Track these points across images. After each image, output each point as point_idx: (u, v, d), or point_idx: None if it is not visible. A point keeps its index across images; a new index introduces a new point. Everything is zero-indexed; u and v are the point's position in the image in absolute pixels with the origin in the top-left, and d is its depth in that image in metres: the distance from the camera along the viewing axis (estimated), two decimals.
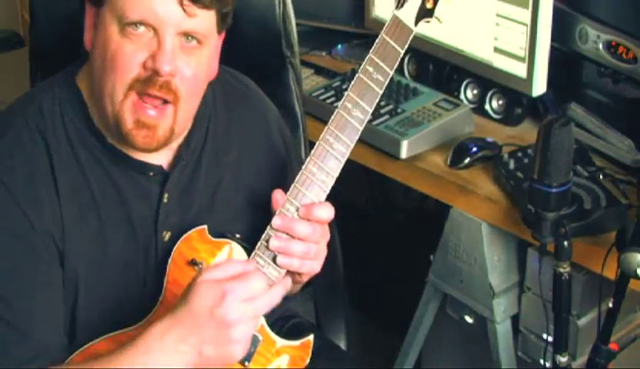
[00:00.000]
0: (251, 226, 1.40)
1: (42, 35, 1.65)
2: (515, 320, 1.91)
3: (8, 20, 3.12)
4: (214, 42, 1.33)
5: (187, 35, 1.27)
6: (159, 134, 1.29)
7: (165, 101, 1.27)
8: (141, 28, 1.24)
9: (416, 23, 1.35)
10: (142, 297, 1.35)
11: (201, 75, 1.31)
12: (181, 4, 1.23)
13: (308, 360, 1.40)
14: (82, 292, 1.31)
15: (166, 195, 1.36)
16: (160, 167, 1.36)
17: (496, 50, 1.98)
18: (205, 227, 1.35)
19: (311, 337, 1.41)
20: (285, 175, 1.48)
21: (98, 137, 1.33)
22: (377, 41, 1.34)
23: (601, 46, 1.88)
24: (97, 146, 1.33)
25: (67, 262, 1.30)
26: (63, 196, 1.30)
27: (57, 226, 1.29)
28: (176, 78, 1.26)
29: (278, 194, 1.33)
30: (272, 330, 1.38)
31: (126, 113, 1.26)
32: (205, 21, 1.27)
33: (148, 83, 1.25)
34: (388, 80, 1.33)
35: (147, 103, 1.26)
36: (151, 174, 1.36)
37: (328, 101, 2.07)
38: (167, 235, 1.36)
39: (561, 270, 1.52)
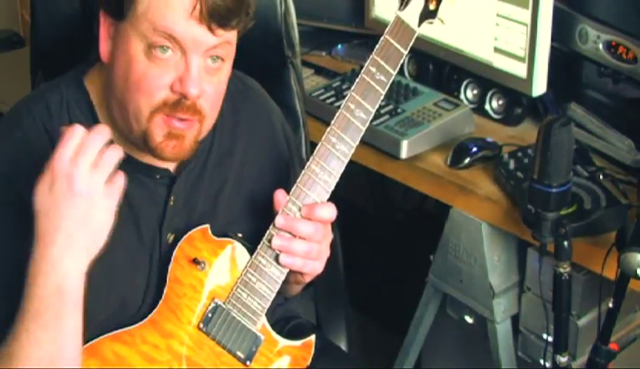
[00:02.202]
0: (253, 227, 1.40)
1: (42, 35, 1.65)
2: (515, 320, 1.91)
3: (8, 20, 3.12)
4: (233, 53, 1.32)
5: (212, 56, 1.26)
6: (186, 143, 1.28)
7: (191, 120, 1.28)
8: (169, 52, 1.23)
9: (419, 24, 1.35)
10: (145, 298, 1.35)
11: (223, 89, 1.31)
12: (210, 28, 1.22)
13: (309, 360, 1.41)
14: (88, 293, 1.31)
15: (172, 198, 1.36)
16: (167, 170, 1.36)
17: (496, 50, 1.99)
18: (208, 226, 1.36)
19: (312, 337, 1.41)
20: (287, 176, 1.48)
21: None
22: (380, 41, 1.34)
23: (601, 46, 1.88)
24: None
25: None
26: None
27: None
28: (201, 98, 1.26)
29: (280, 195, 1.33)
30: (273, 330, 1.38)
31: (155, 128, 1.26)
32: (230, 39, 1.27)
33: (176, 106, 1.25)
34: (390, 81, 1.34)
35: (172, 118, 1.26)
36: (158, 177, 1.36)
37: (328, 101, 2.08)
38: (171, 237, 1.36)
39: (561, 270, 1.52)
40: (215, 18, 1.22)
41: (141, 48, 1.23)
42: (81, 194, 1.15)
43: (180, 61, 1.24)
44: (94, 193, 1.16)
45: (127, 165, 1.33)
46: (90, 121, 1.32)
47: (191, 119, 1.27)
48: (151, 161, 1.34)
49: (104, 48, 1.28)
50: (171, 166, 1.37)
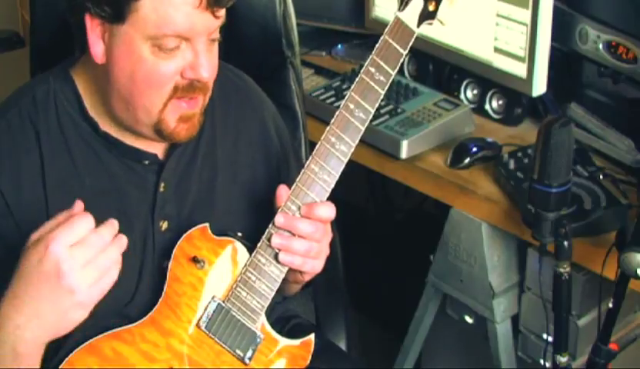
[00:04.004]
0: (247, 219, 1.41)
1: (42, 35, 1.65)
2: (515, 320, 1.92)
3: (8, 20, 3.12)
4: None
5: (213, 38, 1.28)
6: (195, 121, 1.32)
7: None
8: (174, 43, 1.24)
9: (418, 25, 1.36)
10: (139, 288, 1.35)
11: (217, 62, 1.33)
12: (213, 13, 1.24)
13: (309, 360, 1.41)
14: None
15: (162, 184, 1.37)
16: (155, 155, 1.37)
17: (496, 50, 1.99)
18: (207, 225, 1.36)
19: (311, 337, 1.41)
20: (279, 170, 1.50)
21: (92, 125, 1.33)
22: (379, 42, 1.34)
23: (601, 46, 1.88)
24: (91, 134, 1.34)
25: None
26: (50, 189, 1.31)
27: (40, 222, 1.29)
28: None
29: (282, 190, 1.34)
30: (273, 329, 1.39)
31: (167, 116, 1.28)
32: (223, 17, 1.28)
33: (189, 89, 1.28)
34: (390, 81, 1.34)
35: (182, 100, 1.29)
36: (147, 162, 1.37)
37: (328, 101, 2.08)
38: (164, 225, 1.37)
39: (561, 270, 1.52)
40: (218, 2, 1.24)
41: (147, 47, 1.24)
42: (65, 287, 1.14)
43: (186, 49, 1.26)
44: (77, 289, 1.14)
45: (114, 148, 1.34)
46: (77, 111, 1.34)
47: (199, 95, 1.30)
48: (139, 144, 1.35)
49: (97, 49, 1.27)
50: (159, 151, 1.38)
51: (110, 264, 1.17)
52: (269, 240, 1.32)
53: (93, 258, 1.16)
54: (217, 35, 1.29)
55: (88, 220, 1.16)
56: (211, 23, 1.25)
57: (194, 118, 1.31)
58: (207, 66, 1.26)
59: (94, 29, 1.26)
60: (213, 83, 1.34)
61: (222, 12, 1.27)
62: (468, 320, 2.01)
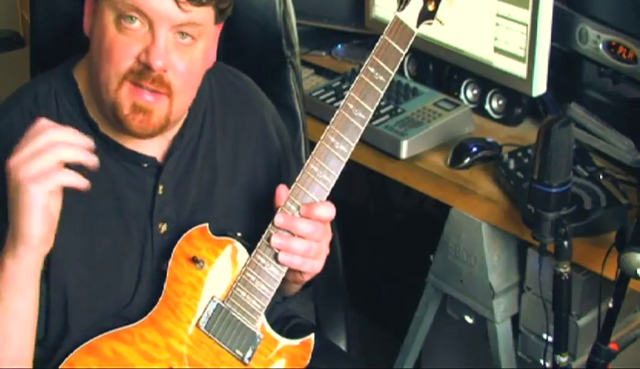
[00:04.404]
0: (247, 220, 1.41)
1: (42, 35, 1.65)
2: (515, 320, 1.91)
3: (8, 20, 3.12)
4: (211, 34, 1.33)
5: (182, 32, 1.27)
6: (154, 120, 1.29)
7: (159, 92, 1.28)
8: (137, 23, 1.25)
9: (418, 25, 1.36)
10: (138, 290, 1.35)
11: (196, 69, 1.32)
12: (177, 2, 1.24)
13: (308, 360, 1.41)
14: (72, 286, 1.31)
15: (161, 187, 1.37)
16: (154, 158, 1.37)
17: (496, 50, 1.99)
18: (207, 225, 1.36)
19: (311, 337, 1.41)
20: (280, 170, 1.50)
21: (92, 126, 1.34)
22: (378, 41, 1.34)
23: (601, 46, 1.88)
24: (90, 135, 1.33)
25: (52, 256, 1.29)
26: None
27: None
28: (169, 72, 1.27)
29: (282, 190, 1.34)
30: (273, 329, 1.39)
31: (123, 99, 1.27)
32: (201, 16, 1.28)
33: (141, 75, 1.26)
34: (389, 81, 1.34)
35: (142, 89, 1.28)
36: (145, 165, 1.37)
37: (328, 101, 2.08)
38: (163, 227, 1.37)
39: (561, 270, 1.52)
40: None
41: (112, 19, 1.26)
42: (10, 171, 1.18)
43: (147, 34, 1.26)
44: (14, 167, 1.18)
45: (113, 152, 1.34)
46: (77, 111, 1.34)
47: (159, 92, 1.28)
48: (138, 147, 1.35)
49: (86, 22, 1.32)
50: (158, 154, 1.38)
51: (51, 149, 1.18)
52: (269, 240, 1.32)
53: (40, 148, 1.18)
54: (192, 32, 1.28)
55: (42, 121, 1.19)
56: (175, 13, 1.25)
57: (151, 115, 1.28)
58: (161, 54, 1.25)
59: (88, 3, 1.31)
60: (193, 94, 1.34)
61: (191, 8, 1.25)
62: (468, 320, 2.01)
